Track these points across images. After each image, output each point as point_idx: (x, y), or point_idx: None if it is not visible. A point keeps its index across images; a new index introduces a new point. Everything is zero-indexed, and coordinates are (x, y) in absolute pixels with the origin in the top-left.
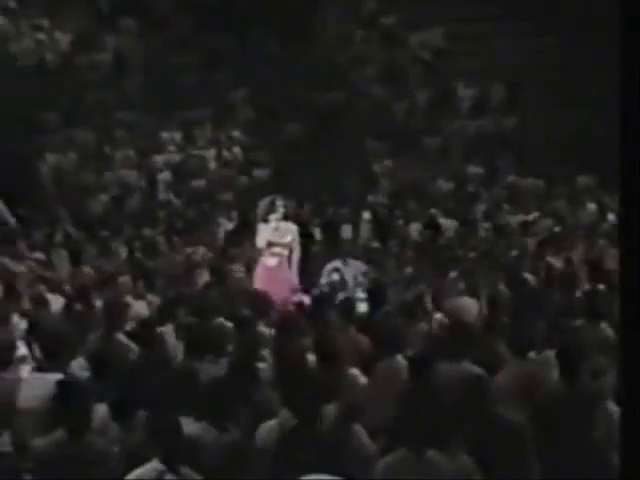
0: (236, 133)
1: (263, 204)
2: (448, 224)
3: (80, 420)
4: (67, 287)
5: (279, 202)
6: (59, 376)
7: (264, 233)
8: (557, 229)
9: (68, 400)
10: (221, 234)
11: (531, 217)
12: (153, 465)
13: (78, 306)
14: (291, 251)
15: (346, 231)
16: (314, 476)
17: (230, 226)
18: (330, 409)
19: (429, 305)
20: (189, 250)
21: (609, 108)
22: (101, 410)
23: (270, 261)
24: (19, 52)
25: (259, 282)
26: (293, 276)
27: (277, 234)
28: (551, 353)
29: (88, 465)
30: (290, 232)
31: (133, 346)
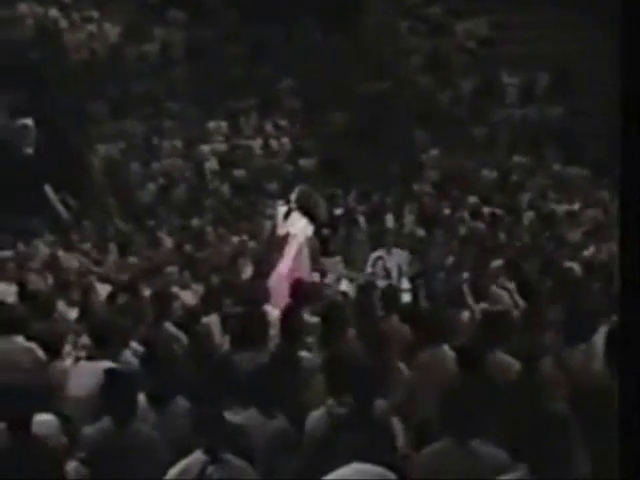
0: (282, 123)
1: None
2: (495, 213)
3: (126, 409)
4: (115, 277)
5: (293, 195)
6: (108, 364)
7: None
8: (602, 219)
9: (115, 389)
10: (267, 224)
11: (576, 207)
12: (197, 456)
13: (126, 296)
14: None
15: (391, 220)
16: (358, 465)
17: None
18: (375, 398)
19: (473, 294)
20: (235, 240)
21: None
22: (142, 399)
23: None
24: (70, 44)
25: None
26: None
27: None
28: (598, 343)
29: (135, 454)
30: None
31: (181, 335)
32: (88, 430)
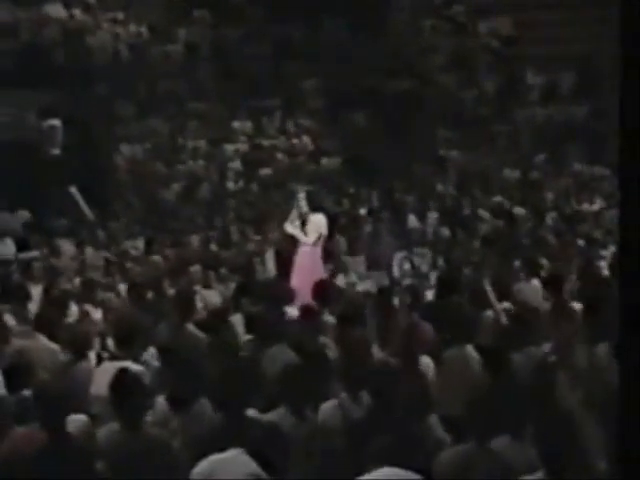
0: (306, 122)
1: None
2: (516, 213)
3: (135, 411)
4: (140, 277)
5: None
6: (129, 365)
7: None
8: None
9: (126, 390)
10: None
11: (596, 206)
12: (234, 453)
13: (151, 295)
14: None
15: (414, 220)
16: (387, 469)
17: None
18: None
19: (496, 293)
20: (259, 239)
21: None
22: (161, 401)
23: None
24: (96, 45)
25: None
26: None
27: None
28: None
29: (146, 456)
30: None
31: (203, 335)
32: (101, 431)
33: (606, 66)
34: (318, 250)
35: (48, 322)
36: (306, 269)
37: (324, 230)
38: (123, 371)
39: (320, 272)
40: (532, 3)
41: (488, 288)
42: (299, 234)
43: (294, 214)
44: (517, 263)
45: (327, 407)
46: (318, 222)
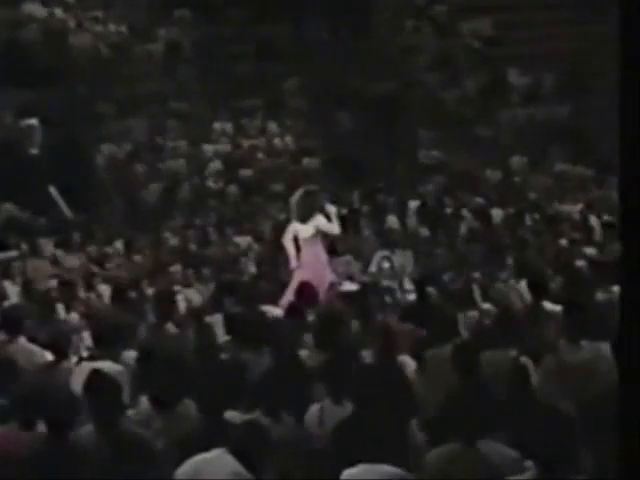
0: (288, 122)
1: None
2: (497, 213)
3: (110, 412)
4: (120, 277)
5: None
6: (109, 365)
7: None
8: (607, 218)
9: (99, 391)
10: (271, 224)
11: (578, 207)
12: (217, 453)
13: (131, 295)
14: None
15: (395, 220)
16: (367, 465)
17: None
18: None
19: (477, 294)
20: (239, 240)
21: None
22: (144, 401)
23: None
24: (76, 44)
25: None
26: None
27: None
28: (604, 342)
29: (128, 456)
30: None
31: (182, 335)
32: (80, 432)
33: (588, 66)
34: (318, 247)
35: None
36: (308, 266)
37: (324, 226)
38: (96, 372)
39: (323, 269)
40: (514, 3)
41: (473, 288)
42: (290, 249)
43: (290, 226)
44: (498, 263)
45: (313, 409)
46: (318, 219)
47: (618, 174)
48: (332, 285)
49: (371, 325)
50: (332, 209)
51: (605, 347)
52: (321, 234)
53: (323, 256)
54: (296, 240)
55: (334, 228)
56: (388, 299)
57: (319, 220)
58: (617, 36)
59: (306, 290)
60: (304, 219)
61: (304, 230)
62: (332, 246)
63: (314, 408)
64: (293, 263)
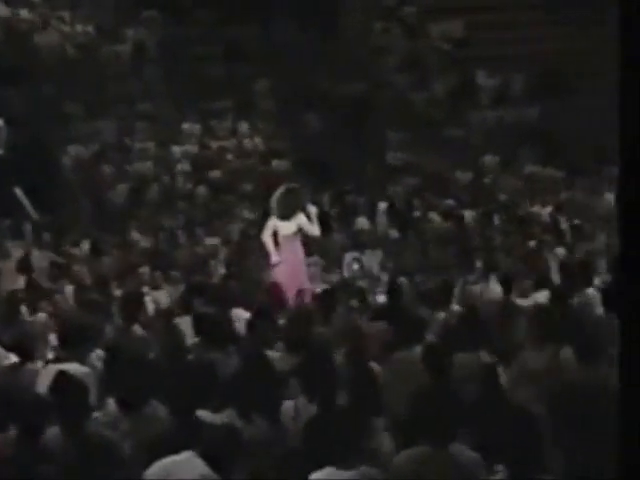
0: (257, 123)
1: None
2: (466, 215)
3: (75, 414)
4: (87, 278)
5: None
6: (75, 367)
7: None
8: (577, 220)
9: (65, 393)
10: (240, 225)
11: (549, 208)
12: (186, 455)
13: (98, 296)
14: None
15: (365, 221)
16: (332, 469)
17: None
18: (347, 398)
19: (447, 295)
20: (208, 241)
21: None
22: (111, 403)
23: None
24: (42, 44)
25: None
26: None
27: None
28: (569, 343)
29: (94, 458)
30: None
31: (150, 337)
32: (46, 435)
33: (557, 67)
34: (297, 245)
35: None
36: (287, 263)
37: (305, 225)
38: (62, 374)
39: (300, 267)
40: (483, 5)
41: (442, 289)
42: (270, 244)
43: (270, 222)
44: (468, 264)
45: (287, 405)
46: (300, 217)
47: (618, 174)
48: (305, 289)
49: (341, 326)
50: (313, 210)
51: (568, 350)
52: (301, 233)
53: (301, 255)
54: (274, 237)
55: (315, 229)
56: (358, 300)
57: (301, 219)
58: (585, 37)
59: (275, 292)
60: (286, 216)
61: (286, 227)
62: (305, 247)
63: (288, 404)
64: (274, 258)
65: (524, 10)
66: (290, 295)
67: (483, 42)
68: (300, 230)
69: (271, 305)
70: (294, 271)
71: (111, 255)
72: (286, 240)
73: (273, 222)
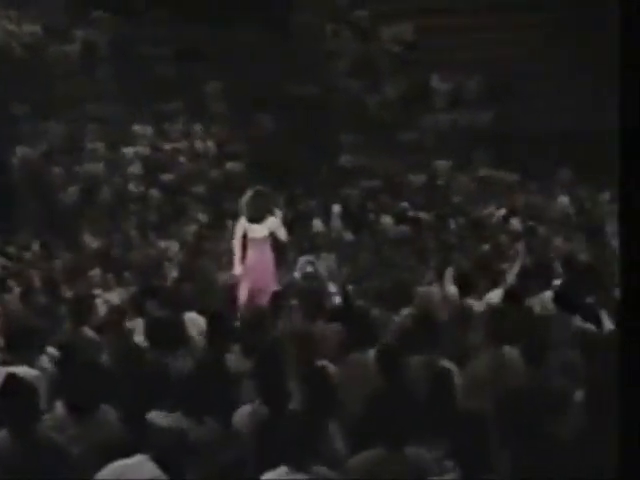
0: (210, 125)
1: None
2: (422, 217)
3: (25, 417)
4: (37, 280)
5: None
6: (24, 370)
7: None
8: (531, 223)
9: (14, 396)
10: (193, 228)
11: (502, 211)
12: (138, 459)
13: (47, 299)
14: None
15: (320, 224)
16: (284, 469)
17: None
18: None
19: (402, 297)
20: (161, 243)
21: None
22: (60, 406)
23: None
24: None
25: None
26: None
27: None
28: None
29: (43, 463)
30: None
31: (100, 340)
32: None
33: (510, 71)
34: (267, 248)
35: None
36: (253, 270)
37: (276, 229)
38: (11, 376)
39: (268, 272)
40: (435, 9)
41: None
42: (237, 251)
43: (240, 224)
44: (422, 267)
45: (241, 412)
46: (271, 220)
47: (618, 175)
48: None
49: (295, 329)
50: (279, 214)
51: (515, 352)
52: (271, 237)
53: (271, 259)
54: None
55: (282, 233)
56: (312, 302)
57: (273, 222)
58: (538, 40)
59: (230, 294)
60: (256, 219)
61: (257, 230)
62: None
63: (242, 407)
64: (238, 269)
65: (476, 14)
66: (262, 299)
67: (435, 45)
68: (271, 234)
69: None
70: (261, 278)
71: (62, 257)
72: (255, 244)
73: (242, 224)
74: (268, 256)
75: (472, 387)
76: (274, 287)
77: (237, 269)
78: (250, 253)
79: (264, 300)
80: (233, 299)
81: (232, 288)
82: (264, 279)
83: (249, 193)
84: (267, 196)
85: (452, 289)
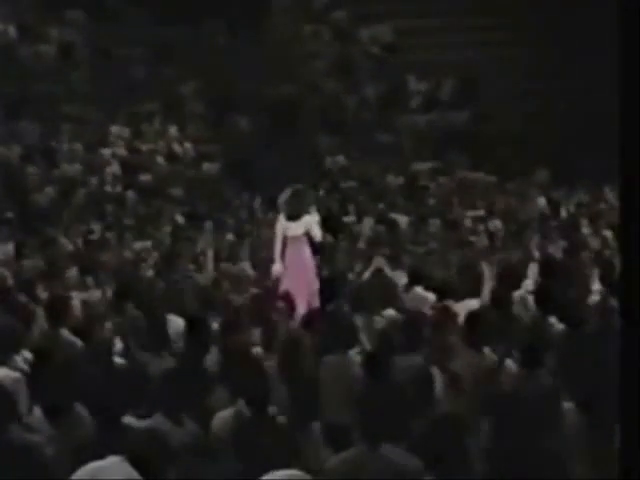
0: (186, 126)
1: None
2: (399, 219)
3: (2, 419)
4: (11, 281)
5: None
6: (5, 371)
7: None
8: (509, 224)
9: None
10: (170, 229)
11: (481, 212)
12: (114, 460)
13: (22, 299)
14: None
15: None
16: (284, 472)
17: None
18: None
19: (383, 299)
20: (138, 245)
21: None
22: (36, 408)
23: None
24: None
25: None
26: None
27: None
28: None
29: (17, 464)
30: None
31: (77, 341)
32: None
33: (487, 73)
34: (305, 246)
35: None
36: (294, 266)
37: (312, 227)
38: None
39: (308, 270)
40: (413, 10)
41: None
42: (277, 252)
43: (279, 224)
44: (401, 269)
45: (222, 415)
46: (307, 219)
47: (618, 175)
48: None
49: (274, 331)
50: (315, 214)
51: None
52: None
53: (309, 257)
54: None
55: (317, 232)
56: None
57: (309, 221)
58: (513, 42)
59: (285, 300)
60: (293, 217)
61: (294, 228)
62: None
63: (222, 409)
64: (278, 268)
65: (455, 15)
66: (301, 299)
67: (413, 47)
68: (307, 232)
69: (283, 312)
70: (301, 277)
71: (37, 257)
72: (293, 242)
73: (282, 223)
74: (306, 254)
75: (454, 389)
76: (315, 285)
77: (277, 267)
78: (289, 251)
79: (303, 298)
80: (273, 297)
81: (272, 287)
82: (303, 277)
83: (287, 191)
84: (304, 195)
85: (431, 292)
